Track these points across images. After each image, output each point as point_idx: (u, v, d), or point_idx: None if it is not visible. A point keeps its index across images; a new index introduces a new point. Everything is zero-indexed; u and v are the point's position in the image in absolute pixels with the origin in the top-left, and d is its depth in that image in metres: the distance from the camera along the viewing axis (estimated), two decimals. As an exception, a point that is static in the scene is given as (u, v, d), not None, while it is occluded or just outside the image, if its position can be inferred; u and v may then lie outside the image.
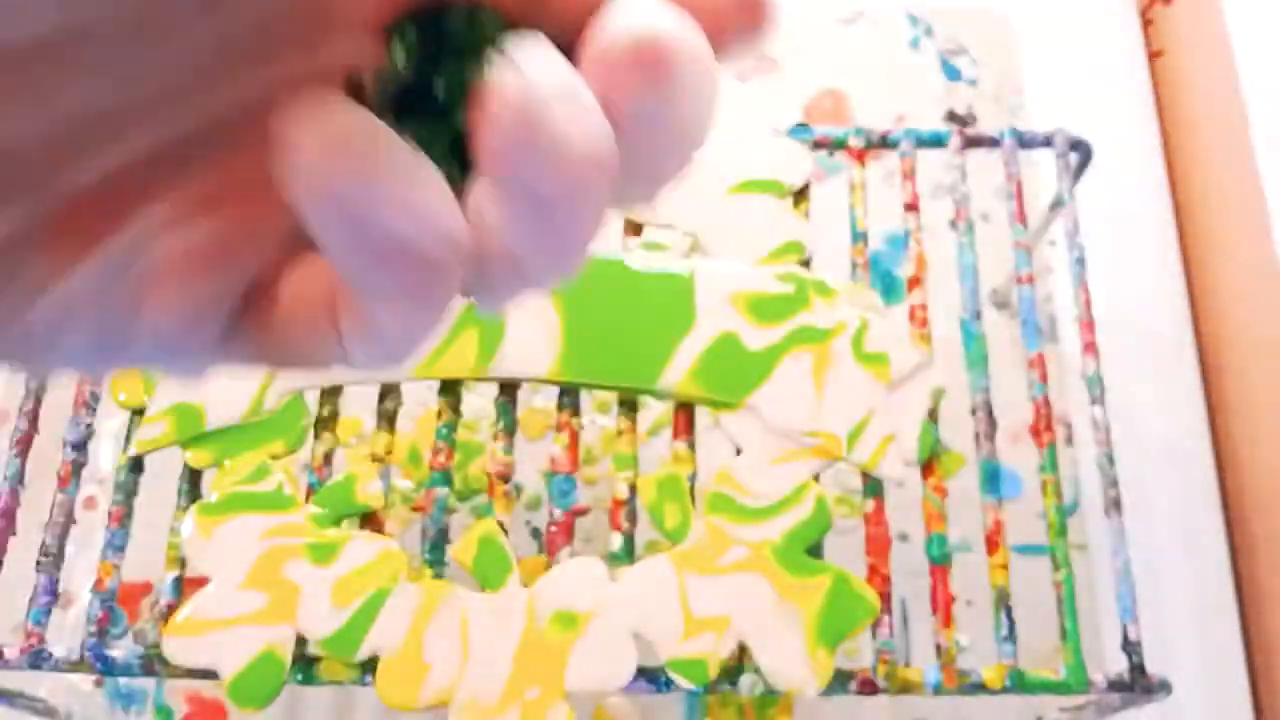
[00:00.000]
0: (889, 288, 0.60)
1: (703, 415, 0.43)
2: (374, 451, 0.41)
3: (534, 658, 0.37)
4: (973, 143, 0.47)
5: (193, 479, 0.40)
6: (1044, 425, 0.42)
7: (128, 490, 0.40)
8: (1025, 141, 0.47)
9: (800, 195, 0.45)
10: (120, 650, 0.38)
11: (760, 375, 0.41)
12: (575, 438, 0.41)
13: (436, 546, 0.39)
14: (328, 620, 0.37)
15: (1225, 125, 0.60)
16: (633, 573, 0.38)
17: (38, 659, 0.38)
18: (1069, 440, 0.56)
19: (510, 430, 0.41)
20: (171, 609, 0.38)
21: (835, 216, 0.47)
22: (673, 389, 0.41)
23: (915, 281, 0.44)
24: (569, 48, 0.14)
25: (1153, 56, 0.69)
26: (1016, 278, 0.45)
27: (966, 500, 0.45)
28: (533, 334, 0.41)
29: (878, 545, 0.40)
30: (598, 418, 0.56)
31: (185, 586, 0.39)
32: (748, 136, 0.46)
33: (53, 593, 0.39)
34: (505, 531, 0.39)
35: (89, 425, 0.41)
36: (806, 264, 0.44)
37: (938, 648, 0.39)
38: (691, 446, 0.41)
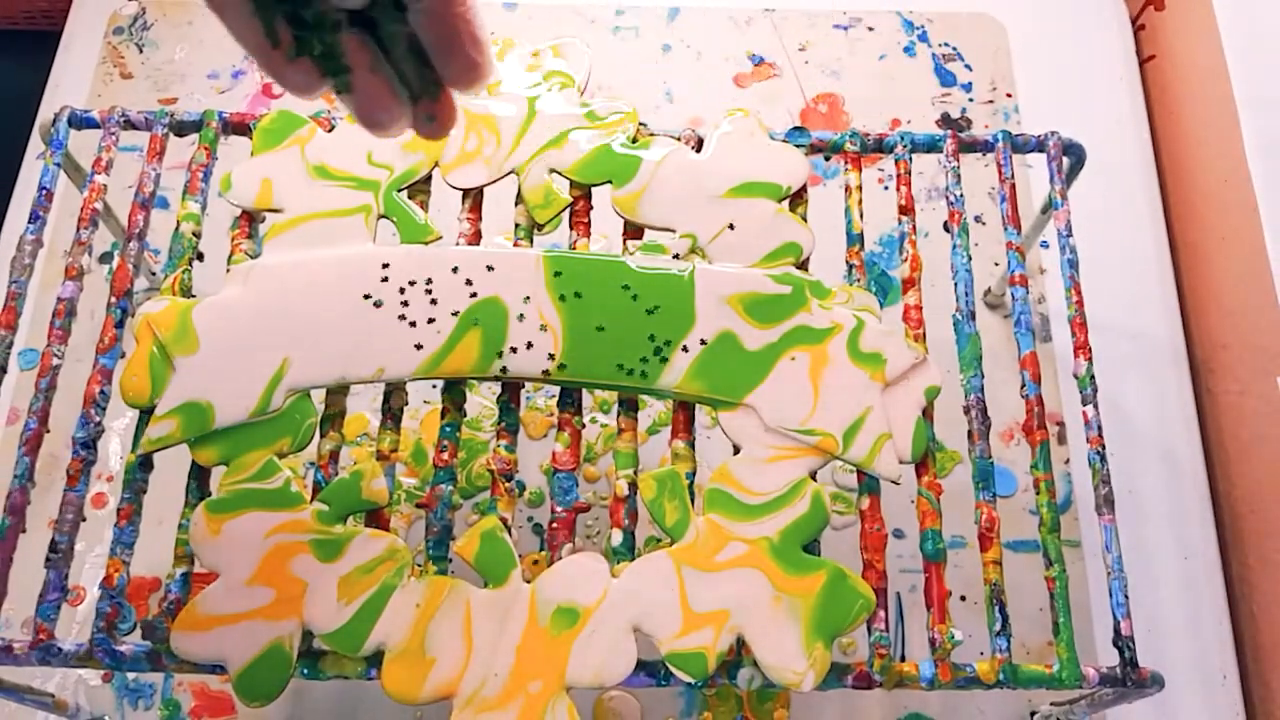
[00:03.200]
0: (884, 289, 0.60)
1: (701, 414, 0.43)
2: (379, 449, 0.41)
3: (536, 652, 0.38)
4: (967, 146, 0.48)
5: (200, 477, 0.41)
6: (1037, 424, 0.42)
7: (136, 488, 0.40)
8: (1018, 145, 0.48)
9: (797, 198, 0.46)
10: (128, 645, 0.39)
11: (758, 375, 0.41)
12: (576, 436, 0.42)
13: (440, 542, 0.40)
14: (333, 615, 0.38)
15: (1217, 129, 0.60)
16: (633, 568, 0.39)
17: (47, 654, 0.38)
18: (1061, 439, 0.57)
19: (512, 428, 0.42)
20: (179, 604, 0.39)
21: (831, 219, 0.48)
22: (672, 388, 0.41)
23: (910, 282, 0.45)
24: None
25: (1145, 61, 0.69)
26: (1010, 279, 0.45)
27: (961, 497, 0.46)
28: (534, 334, 0.42)
29: (873, 541, 0.40)
30: (598, 416, 0.57)
31: (193, 582, 0.39)
32: (746, 141, 0.46)
33: (62, 589, 0.39)
34: (508, 528, 0.40)
35: (98, 424, 0.41)
36: (803, 265, 0.44)
37: (932, 642, 0.39)
38: (691, 445, 0.42)
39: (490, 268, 0.43)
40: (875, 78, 0.67)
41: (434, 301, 0.42)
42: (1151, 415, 0.58)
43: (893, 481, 0.41)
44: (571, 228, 0.46)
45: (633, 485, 0.41)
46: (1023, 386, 0.43)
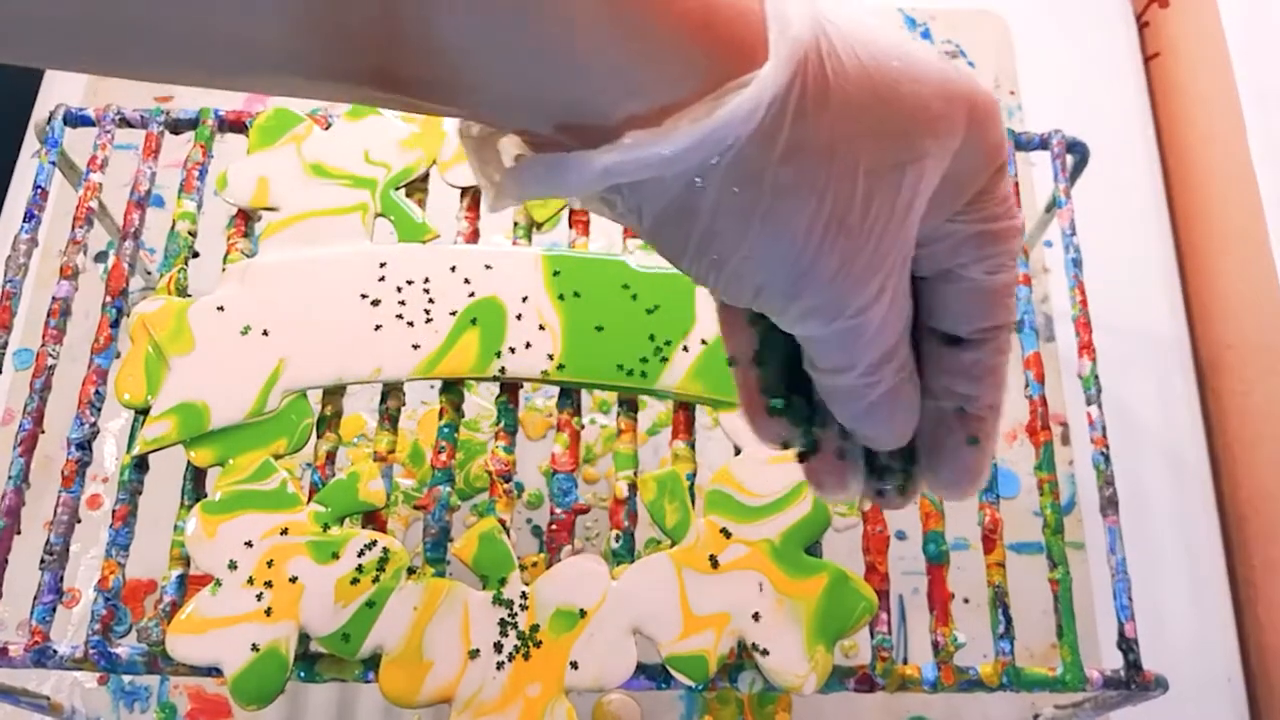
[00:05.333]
0: (887, 288, 0.60)
1: (702, 414, 0.43)
2: (376, 450, 0.41)
3: (535, 655, 0.37)
4: (970, 144, 0.47)
5: (196, 478, 0.40)
6: (1040, 424, 0.42)
7: (132, 489, 0.40)
8: (1022, 143, 0.47)
9: (799, 196, 0.45)
10: (124, 648, 0.38)
11: (759, 375, 0.41)
12: (576, 437, 0.41)
13: (438, 544, 0.40)
14: (330, 618, 0.38)
15: (1221, 127, 0.60)
16: (633, 570, 0.39)
17: (42, 656, 0.38)
18: (1065, 439, 0.56)
19: (511, 429, 0.41)
20: (175, 607, 0.38)
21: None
22: (672, 389, 0.41)
23: (913, 282, 0.44)
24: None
25: (1149, 59, 0.69)
26: (1013, 278, 0.45)
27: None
28: (533, 334, 0.41)
29: (876, 543, 0.40)
30: (598, 417, 0.56)
31: (189, 584, 0.39)
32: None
33: (57, 591, 0.39)
34: (506, 530, 0.39)
35: (93, 425, 0.41)
36: (805, 264, 0.44)
37: (935, 645, 0.39)
38: (691, 445, 0.41)
39: (488, 267, 0.43)
40: (877, 75, 0.66)
41: (432, 301, 0.42)
42: (1156, 416, 0.58)
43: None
44: (570, 226, 0.45)
45: (632, 486, 0.40)
46: (1026, 387, 0.43)
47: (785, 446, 0.25)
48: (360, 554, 0.39)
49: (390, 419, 0.42)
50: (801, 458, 0.25)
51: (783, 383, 0.24)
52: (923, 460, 0.25)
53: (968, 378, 0.23)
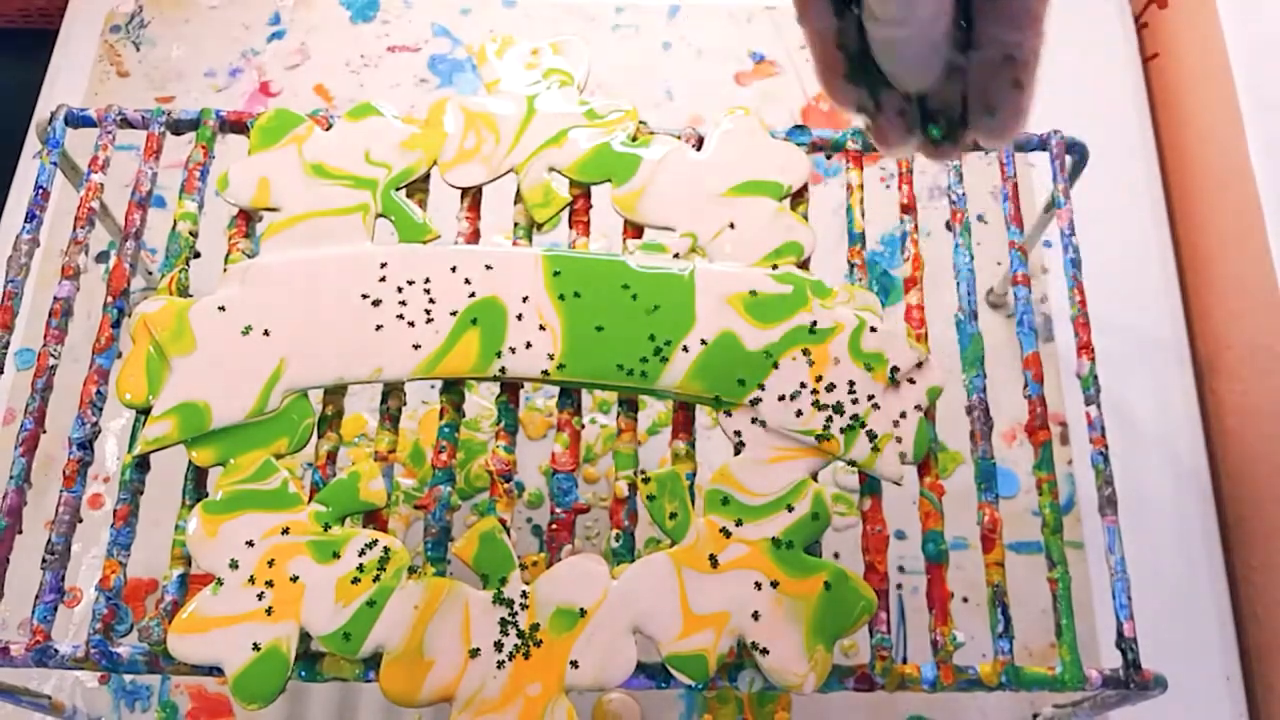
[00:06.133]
0: (886, 288, 0.60)
1: (702, 414, 0.43)
2: (377, 450, 0.41)
3: (535, 654, 0.37)
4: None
5: (197, 478, 0.40)
6: (1039, 424, 0.42)
7: (133, 489, 0.40)
8: (1021, 144, 0.47)
9: (798, 197, 0.46)
10: (125, 647, 0.39)
11: (759, 375, 0.41)
12: (576, 436, 0.42)
13: (439, 544, 0.40)
14: (331, 617, 0.38)
15: (1220, 127, 0.60)
16: (633, 570, 0.39)
17: (44, 656, 0.38)
18: (1064, 439, 0.56)
19: (512, 429, 0.42)
20: (176, 606, 0.38)
21: (833, 218, 0.47)
22: (672, 388, 0.41)
23: (912, 282, 0.44)
24: None
25: (1148, 59, 0.69)
26: (1012, 278, 0.45)
27: (963, 498, 0.45)
28: (534, 334, 0.41)
29: (875, 543, 0.40)
30: (598, 417, 0.56)
31: (190, 584, 0.39)
32: (746, 139, 0.46)
33: (59, 590, 0.39)
34: (507, 529, 0.40)
35: (95, 425, 0.41)
36: (805, 265, 0.44)
37: (934, 644, 0.39)
38: (691, 445, 0.41)
39: (489, 267, 0.43)
40: (876, 76, 0.67)
41: (432, 301, 0.42)
42: (1155, 416, 0.58)
43: (894, 482, 0.41)
44: (571, 227, 0.45)
45: (632, 486, 0.40)
46: (1025, 387, 0.43)
47: (858, 110, 0.30)
48: (361, 553, 0.39)
49: (391, 418, 0.42)
50: (869, 121, 0.30)
51: (857, 55, 0.29)
52: (972, 108, 0.29)
53: (1013, 25, 0.28)
